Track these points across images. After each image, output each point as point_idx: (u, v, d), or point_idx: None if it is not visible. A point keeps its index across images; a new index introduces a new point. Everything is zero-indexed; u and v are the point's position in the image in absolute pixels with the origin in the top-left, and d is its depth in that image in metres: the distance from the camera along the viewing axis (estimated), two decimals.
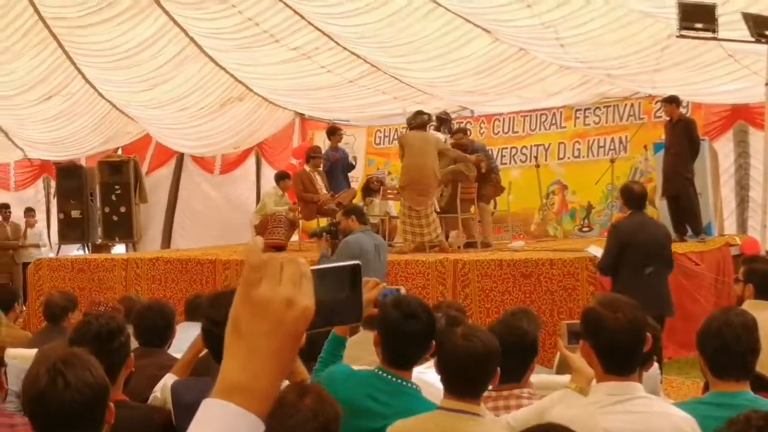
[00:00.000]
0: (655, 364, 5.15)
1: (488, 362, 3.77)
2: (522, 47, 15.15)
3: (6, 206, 18.72)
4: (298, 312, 1.33)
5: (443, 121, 14.59)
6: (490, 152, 14.49)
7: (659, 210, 14.18)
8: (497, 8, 14.21)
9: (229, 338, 1.38)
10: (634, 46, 13.99)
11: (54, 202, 20.42)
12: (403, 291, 4.29)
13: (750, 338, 3.87)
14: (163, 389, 4.39)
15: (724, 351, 3.82)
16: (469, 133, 14.84)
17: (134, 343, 5.65)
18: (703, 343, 3.93)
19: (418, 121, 12.60)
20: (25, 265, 16.64)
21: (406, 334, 4.01)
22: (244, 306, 1.35)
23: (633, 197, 9.13)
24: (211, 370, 4.40)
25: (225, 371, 1.37)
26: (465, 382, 3.76)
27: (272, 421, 1.32)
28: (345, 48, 16.24)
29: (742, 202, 15.11)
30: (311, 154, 14.75)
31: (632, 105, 15.79)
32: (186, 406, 4.18)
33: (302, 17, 15.69)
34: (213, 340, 4.17)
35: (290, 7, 15.44)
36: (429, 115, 13.16)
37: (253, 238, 1.43)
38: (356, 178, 16.74)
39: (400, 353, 4.12)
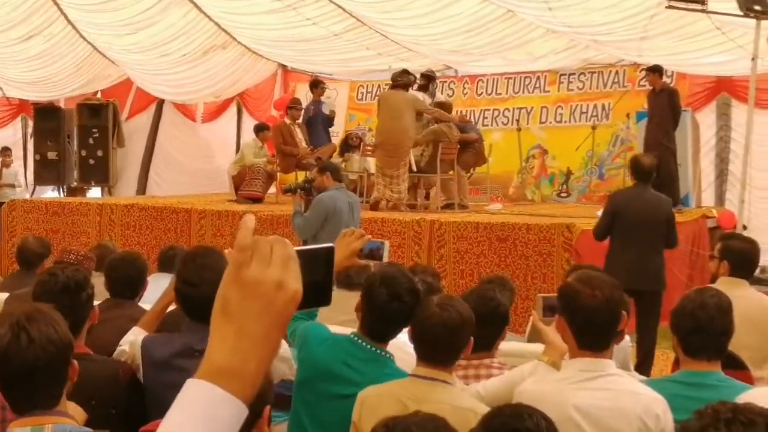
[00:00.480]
0: (626, 337, 5.16)
1: (462, 332, 3.77)
2: (510, 9, 15.04)
3: None
4: (289, 295, 1.31)
5: (430, 79, 14.53)
6: (478, 130, 14.47)
7: None
8: None
9: (217, 319, 1.33)
10: (621, 13, 13.92)
11: (31, 143, 20.26)
12: (387, 245, 4.23)
13: (724, 320, 3.87)
14: (132, 344, 4.33)
15: (698, 332, 3.82)
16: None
17: (105, 293, 5.62)
18: (677, 323, 3.93)
19: (403, 81, 12.53)
20: (0, 204, 16.55)
21: (390, 313, 3.99)
22: (233, 287, 1.32)
23: (639, 169, 8.99)
24: (180, 325, 4.37)
25: (212, 353, 1.32)
26: (438, 350, 3.76)
27: None
28: (331, 1, 16.08)
29: (721, 175, 15.15)
30: (291, 106, 14.66)
31: (617, 72, 15.76)
32: (156, 362, 4.16)
33: None
34: (185, 299, 4.14)
35: None
36: (415, 76, 13.09)
37: (244, 217, 1.37)
38: (337, 133, 16.66)
39: (379, 328, 4.10)
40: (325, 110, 15.01)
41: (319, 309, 6.64)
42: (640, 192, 8.93)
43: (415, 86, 13.59)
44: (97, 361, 4.11)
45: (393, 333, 4.13)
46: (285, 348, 4.41)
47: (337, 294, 6.53)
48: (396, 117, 12.22)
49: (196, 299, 4.05)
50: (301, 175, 13.90)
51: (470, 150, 13.52)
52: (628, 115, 15.11)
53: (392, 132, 12.30)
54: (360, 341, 4.12)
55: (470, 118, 16.62)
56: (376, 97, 17.38)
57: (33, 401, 2.91)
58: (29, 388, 2.91)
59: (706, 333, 3.82)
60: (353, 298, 4.31)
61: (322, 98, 15.34)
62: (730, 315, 3.90)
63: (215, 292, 3.74)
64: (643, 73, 13.98)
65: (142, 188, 19.56)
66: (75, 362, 3.02)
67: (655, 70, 12.72)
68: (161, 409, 3.94)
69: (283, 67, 19.10)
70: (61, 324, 2.99)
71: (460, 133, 13.28)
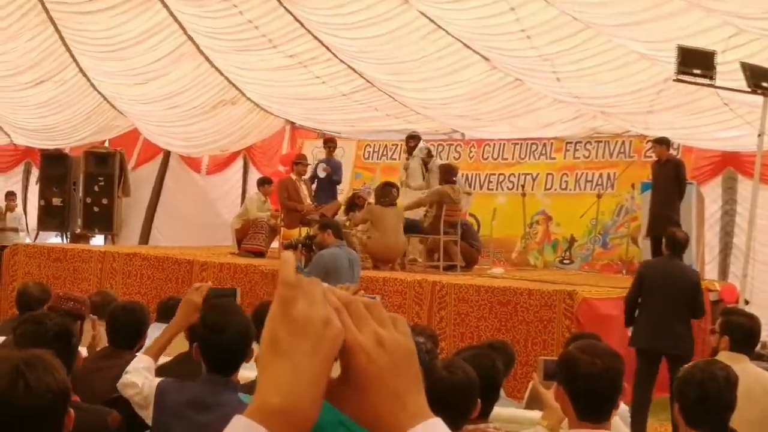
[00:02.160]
0: (623, 405, 5.12)
1: (471, 393, 3.76)
2: (518, 77, 15.16)
3: None
4: (336, 332, 1.27)
5: (417, 140, 14.70)
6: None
7: (642, 250, 14.18)
8: (497, 36, 14.23)
9: (268, 357, 1.28)
10: (629, 87, 14.04)
11: (31, 189, 20.32)
12: (378, 299, 4.23)
13: (730, 395, 3.85)
14: (148, 385, 4.32)
15: (704, 404, 3.80)
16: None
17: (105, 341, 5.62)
18: (683, 391, 3.90)
19: (388, 199, 12.66)
20: (3, 248, 16.56)
21: None
22: (283, 324, 1.28)
23: (675, 241, 9.61)
24: (193, 373, 4.38)
25: (265, 393, 1.26)
26: (448, 414, 3.72)
27: None
28: (342, 61, 16.21)
29: (725, 248, 15.11)
30: (297, 162, 14.70)
31: (623, 142, 15.79)
32: (167, 409, 4.18)
33: (302, 24, 15.67)
34: (208, 346, 4.16)
35: (291, 14, 15.43)
36: (397, 188, 13.20)
37: (283, 253, 1.38)
38: (342, 190, 16.70)
39: None
40: (319, 172, 15.02)
41: None
42: (668, 262, 9.52)
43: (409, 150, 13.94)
44: (85, 409, 4.04)
45: None
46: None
47: None
48: (394, 234, 12.51)
49: (220, 346, 4.10)
50: (305, 231, 13.92)
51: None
52: (633, 186, 15.14)
53: (392, 249, 12.66)
54: None
55: (475, 181, 16.68)
56: (384, 156, 17.55)
57: None
58: None
59: (713, 405, 3.80)
60: None
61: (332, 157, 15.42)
62: (735, 390, 3.88)
63: (239, 340, 3.72)
64: (650, 144, 14.03)
65: (145, 238, 19.55)
66: (71, 411, 2.95)
67: (663, 142, 12.75)
68: None
69: (291, 123, 19.17)
70: (60, 371, 2.91)
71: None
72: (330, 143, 15.63)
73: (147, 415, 4.30)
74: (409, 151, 14.76)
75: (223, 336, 4.09)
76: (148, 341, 5.81)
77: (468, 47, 14.91)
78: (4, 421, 2.85)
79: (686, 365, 4.08)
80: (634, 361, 10.52)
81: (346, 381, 1.30)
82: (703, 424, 3.81)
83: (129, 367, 4.51)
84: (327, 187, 14.97)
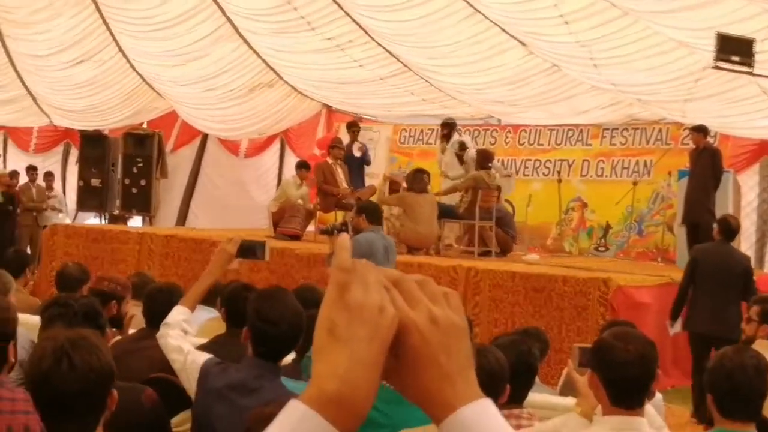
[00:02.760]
0: (658, 394, 5.14)
1: (501, 379, 3.79)
2: (555, 63, 15.12)
3: (33, 168, 18.92)
4: (390, 318, 1.27)
5: (451, 127, 14.67)
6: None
7: (677, 237, 14.15)
8: (534, 21, 14.20)
9: (325, 342, 1.27)
10: (666, 75, 13.98)
11: (70, 169, 20.52)
12: None
13: (761, 382, 3.85)
14: (192, 360, 4.36)
15: (735, 393, 3.80)
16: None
17: (142, 322, 5.70)
18: (713, 382, 3.91)
19: (420, 185, 12.62)
20: (44, 227, 16.79)
21: None
22: (339, 310, 1.27)
23: (727, 227, 9.80)
24: (230, 357, 4.44)
25: (321, 379, 1.25)
26: None
27: None
28: (379, 44, 16.23)
29: (762, 237, 15.03)
30: (333, 145, 14.76)
31: (660, 129, 15.71)
32: (210, 390, 4.22)
33: (340, 7, 15.70)
34: (262, 336, 4.19)
35: None
36: (428, 174, 13.15)
37: (339, 238, 1.32)
38: (377, 174, 16.75)
39: None
40: (355, 152, 15.04)
41: None
42: (719, 246, 9.69)
43: (441, 135, 13.93)
44: (119, 387, 4.14)
45: None
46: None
47: None
48: (428, 222, 12.48)
49: (274, 338, 4.15)
50: (341, 215, 13.98)
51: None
52: (669, 173, 15.08)
53: (426, 238, 12.65)
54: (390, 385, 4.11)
55: (510, 167, 16.68)
56: (420, 141, 17.56)
57: (69, 428, 2.90)
58: (67, 414, 2.89)
59: (744, 394, 3.80)
60: None
61: (357, 141, 15.44)
62: (766, 376, 3.89)
63: (292, 332, 3.75)
64: (687, 131, 13.98)
65: (182, 220, 19.69)
66: (114, 392, 3.00)
67: (700, 130, 12.70)
68: None
69: (328, 107, 19.23)
70: (104, 351, 2.98)
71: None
72: (353, 127, 15.66)
73: (186, 385, 4.36)
74: (443, 138, 14.73)
75: (277, 328, 4.13)
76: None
77: (505, 32, 14.88)
78: (48, 400, 2.90)
79: (716, 354, 4.09)
80: (672, 348, 10.61)
81: (397, 357, 1.29)
82: (736, 414, 3.82)
83: (168, 319, 4.56)
84: (357, 170, 14.99)
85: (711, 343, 9.26)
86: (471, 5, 14.58)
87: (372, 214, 9.97)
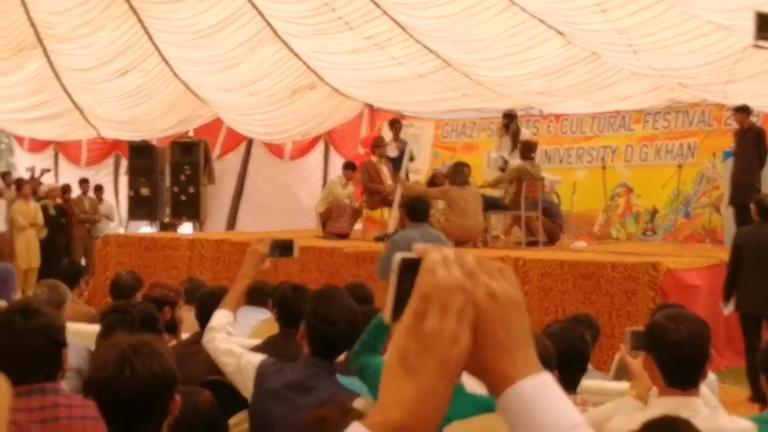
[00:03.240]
0: (711, 374, 5.16)
1: (549, 365, 3.82)
2: (594, 51, 15.11)
3: (85, 181, 19.22)
4: (460, 349, 1.27)
5: (511, 118, 14.64)
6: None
7: (724, 218, 14.09)
8: (571, 11, 14.19)
9: (395, 370, 1.27)
10: (706, 57, 13.91)
11: (121, 180, 20.78)
12: None
13: None
14: (246, 362, 4.41)
15: None
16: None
17: (196, 326, 5.81)
18: (767, 362, 3.94)
19: (461, 178, 12.62)
20: (95, 239, 17.04)
21: None
22: (412, 338, 1.27)
23: (763, 208, 9.82)
24: (291, 351, 4.50)
25: (387, 407, 1.26)
26: None
27: None
28: (418, 41, 16.28)
29: None
30: (377, 144, 14.84)
31: (702, 111, 15.65)
32: (267, 391, 4.26)
33: (377, 5, 15.77)
34: (320, 336, 4.25)
35: None
36: (469, 166, 13.13)
37: (428, 257, 1.31)
38: (422, 169, 16.82)
39: None
40: (390, 152, 15.05)
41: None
42: (760, 228, 9.76)
43: (503, 126, 13.88)
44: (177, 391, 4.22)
45: None
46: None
47: None
48: (473, 215, 12.45)
49: (332, 337, 4.22)
50: (386, 212, 14.06)
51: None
52: (714, 154, 15.02)
53: (472, 230, 12.59)
54: None
55: (555, 155, 16.70)
56: (463, 135, 17.60)
57: None
58: (130, 419, 2.95)
59: None
60: None
61: (401, 136, 15.46)
62: None
63: (349, 331, 3.80)
64: (730, 112, 13.92)
65: (231, 225, 19.85)
66: (178, 397, 3.05)
67: (743, 110, 12.65)
68: None
69: (369, 106, 19.30)
70: (166, 357, 3.03)
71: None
72: (395, 124, 15.69)
73: (242, 386, 4.40)
74: (504, 128, 14.67)
75: (335, 328, 4.20)
76: (238, 327, 6.01)
77: (543, 23, 14.88)
78: (111, 405, 2.97)
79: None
80: (725, 328, 10.61)
81: None
82: None
83: (212, 323, 4.60)
84: (399, 167, 15.00)
85: (761, 323, 9.33)
86: None
87: (413, 210, 9.83)
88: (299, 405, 4.09)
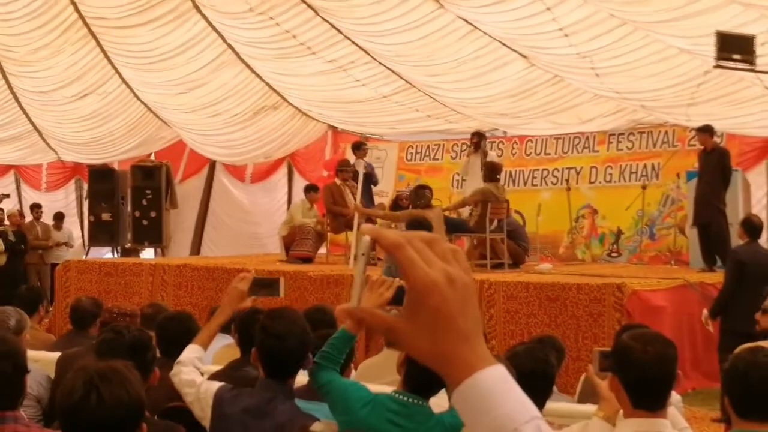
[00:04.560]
0: (677, 395, 5.10)
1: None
2: (557, 74, 15.14)
3: (38, 206, 18.95)
4: (460, 285, 1.30)
5: (481, 137, 14.67)
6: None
7: (689, 238, 14.12)
8: (534, 35, 14.23)
9: (461, 341, 1.31)
10: (668, 81, 13.99)
11: (86, 204, 20.57)
12: (394, 312, 4.28)
13: None
14: (205, 390, 4.36)
15: (750, 394, 3.75)
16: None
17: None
18: (729, 384, 3.87)
19: (423, 201, 12.59)
20: (54, 265, 16.82)
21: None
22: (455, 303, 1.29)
23: (752, 227, 10.07)
24: (246, 381, 4.43)
25: (484, 353, 1.31)
26: None
27: None
28: (381, 63, 16.26)
29: None
30: (340, 168, 14.76)
31: (666, 132, 15.70)
32: (224, 416, 4.24)
33: (339, 31, 15.75)
34: (270, 352, 4.23)
35: (328, 22, 15.52)
36: (430, 189, 13.11)
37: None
38: (386, 192, 16.75)
39: (425, 383, 4.10)
40: (359, 168, 15.03)
41: (368, 367, 6.66)
42: (756, 247, 10.04)
43: (471, 146, 13.93)
44: (153, 423, 4.07)
45: (437, 389, 4.13)
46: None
47: (386, 355, 6.55)
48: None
49: (281, 353, 4.18)
50: (351, 236, 13.96)
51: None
52: (678, 175, 15.03)
53: None
54: (403, 397, 4.13)
55: (519, 177, 16.70)
56: (426, 157, 17.57)
57: None
58: None
59: (759, 394, 3.74)
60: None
61: (365, 159, 15.41)
62: None
63: (300, 348, 3.77)
64: (693, 132, 13.96)
65: (196, 249, 19.71)
66: (144, 426, 3.01)
67: (706, 131, 12.69)
68: None
69: (333, 128, 19.24)
70: (135, 384, 2.98)
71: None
72: (360, 147, 15.59)
73: (200, 415, 4.34)
74: (474, 146, 14.65)
75: (284, 343, 4.17)
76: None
77: (506, 46, 14.91)
78: (77, 430, 2.91)
79: (731, 356, 4.06)
80: (691, 350, 10.60)
81: (414, 320, 1.29)
82: (753, 414, 3.75)
83: (181, 357, 4.56)
84: (365, 190, 14.90)
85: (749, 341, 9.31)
86: (470, 23, 14.62)
87: (419, 227, 9.65)
88: (259, 428, 4.11)
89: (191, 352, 4.56)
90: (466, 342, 1.29)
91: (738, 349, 4.08)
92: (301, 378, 4.79)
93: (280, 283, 4.87)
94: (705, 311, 10.14)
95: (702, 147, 12.88)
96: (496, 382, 1.30)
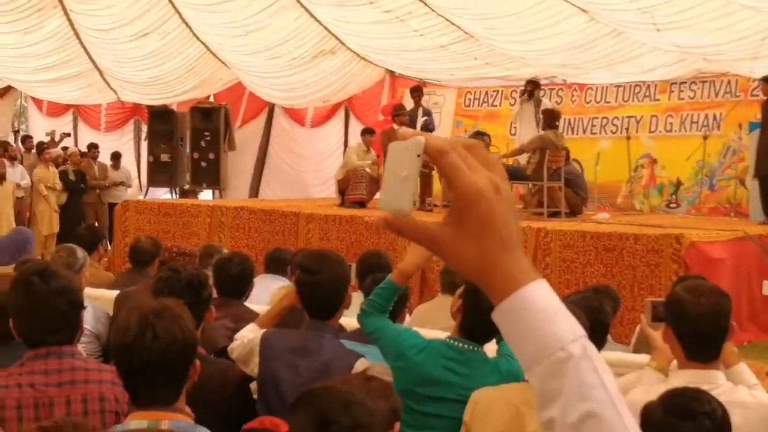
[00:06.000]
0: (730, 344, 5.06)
1: None
2: (616, 28, 14.93)
3: (95, 146, 19.09)
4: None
5: (535, 85, 14.50)
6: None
7: (749, 191, 13.92)
8: None
9: (513, 253, 1.29)
10: (731, 35, 13.76)
11: (143, 145, 20.74)
12: None
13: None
14: (250, 340, 4.36)
15: None
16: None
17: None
18: None
19: None
20: (111, 205, 17.00)
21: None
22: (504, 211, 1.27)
23: None
24: (298, 322, 4.45)
25: (528, 267, 1.29)
26: None
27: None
28: (439, 14, 16.13)
29: None
30: (396, 113, 14.71)
31: (729, 82, 15.43)
32: (270, 355, 4.25)
33: None
34: (303, 287, 4.27)
35: None
36: (489, 136, 12.97)
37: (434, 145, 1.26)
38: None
39: (482, 330, 4.10)
40: (418, 114, 14.99)
41: (422, 313, 6.68)
42: None
43: (525, 93, 13.74)
44: (208, 361, 4.15)
45: (493, 336, 4.14)
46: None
47: (440, 300, 6.57)
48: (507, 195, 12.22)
49: (315, 287, 4.20)
50: None
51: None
52: (740, 126, 14.83)
53: None
54: (458, 344, 4.14)
55: (578, 125, 16.55)
56: (485, 103, 17.45)
57: (152, 396, 2.96)
58: (150, 383, 2.96)
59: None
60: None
61: (423, 104, 15.38)
62: None
63: (335, 281, 3.78)
64: (757, 82, 13.72)
65: (254, 192, 19.83)
66: (197, 362, 3.06)
67: None
68: (267, 400, 4.02)
69: (391, 73, 19.17)
70: (187, 322, 3.03)
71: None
72: (416, 92, 15.58)
73: (249, 369, 4.34)
74: (526, 94, 14.49)
75: (318, 277, 4.19)
76: (256, 294, 5.95)
77: (566, 0, 14.71)
78: (132, 368, 2.97)
79: None
80: (749, 303, 10.50)
81: (459, 229, 1.27)
82: None
83: (238, 335, 4.54)
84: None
85: None
86: None
87: None
88: (305, 367, 4.14)
89: (249, 332, 4.50)
90: (511, 253, 1.27)
91: None
92: (352, 321, 4.83)
93: (352, 269, 4.85)
94: None
95: (765, 97, 12.65)
96: (543, 299, 1.28)
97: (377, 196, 14.72)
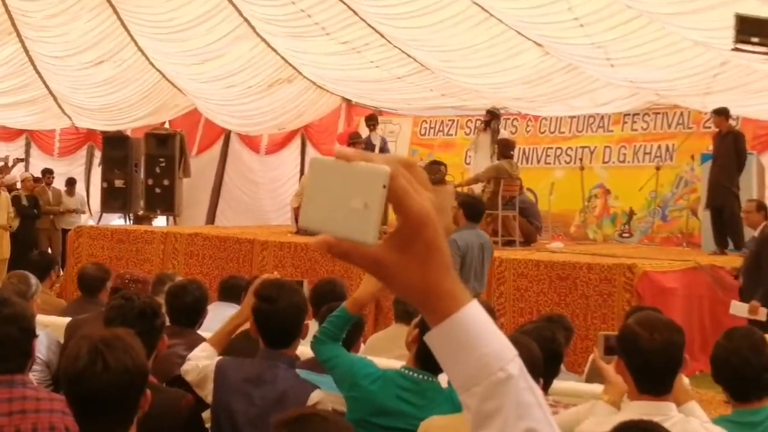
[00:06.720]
0: (685, 378, 5.10)
1: (535, 372, 3.77)
2: (571, 63, 15.07)
3: (49, 171, 18.94)
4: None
5: (493, 116, 14.57)
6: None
7: (702, 221, 14.06)
8: (549, 24, 14.18)
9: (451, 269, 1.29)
10: (684, 72, 13.93)
11: (95, 171, 20.59)
12: (305, 283, 4.44)
13: (760, 358, 3.86)
14: (205, 365, 4.34)
15: (737, 377, 3.83)
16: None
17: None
18: (716, 373, 3.96)
19: (436, 177, 12.48)
20: (65, 231, 16.84)
21: None
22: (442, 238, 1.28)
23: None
24: (252, 350, 4.42)
25: (457, 283, 1.28)
26: None
27: None
28: (395, 46, 16.21)
29: None
30: (352, 141, 14.74)
31: (681, 113, 15.61)
32: (226, 386, 4.23)
33: (355, 13, 15.70)
34: (261, 316, 4.23)
35: (344, 2, 15.46)
36: (444, 165, 13.02)
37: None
38: None
39: (435, 359, 4.09)
40: (374, 141, 15.03)
41: (377, 341, 6.67)
42: None
43: (483, 123, 13.84)
44: (160, 390, 4.10)
45: None
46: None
47: (395, 329, 6.56)
48: (448, 214, 12.28)
49: (273, 317, 4.17)
50: None
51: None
52: (692, 157, 14.99)
53: (445, 229, 12.27)
54: (412, 374, 4.14)
55: (533, 155, 16.65)
56: (440, 132, 17.51)
57: (103, 426, 2.94)
58: (100, 413, 2.93)
59: (746, 376, 3.82)
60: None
61: (378, 133, 15.43)
62: (765, 348, 3.90)
63: (292, 311, 3.75)
64: (709, 114, 13.89)
65: (211, 219, 19.75)
66: (148, 392, 3.04)
67: (721, 113, 12.61)
68: (220, 429, 3.98)
69: (347, 101, 19.20)
70: (138, 352, 3.01)
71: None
72: (372, 120, 15.65)
73: (204, 395, 4.32)
74: (485, 125, 14.55)
75: (275, 306, 4.16)
76: (209, 322, 5.91)
77: (521, 34, 14.83)
78: (82, 399, 2.95)
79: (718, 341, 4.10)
80: (700, 332, 10.59)
81: (406, 252, 1.25)
82: (748, 395, 3.88)
83: (191, 355, 4.52)
84: None
85: None
86: (485, 10, 14.55)
87: (472, 210, 9.42)
88: (258, 397, 4.12)
89: (203, 351, 4.48)
90: (450, 273, 1.27)
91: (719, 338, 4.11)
92: (307, 349, 4.81)
93: (304, 285, 4.85)
94: (754, 302, 9.69)
95: (717, 129, 12.81)
96: (481, 315, 1.28)
97: None
